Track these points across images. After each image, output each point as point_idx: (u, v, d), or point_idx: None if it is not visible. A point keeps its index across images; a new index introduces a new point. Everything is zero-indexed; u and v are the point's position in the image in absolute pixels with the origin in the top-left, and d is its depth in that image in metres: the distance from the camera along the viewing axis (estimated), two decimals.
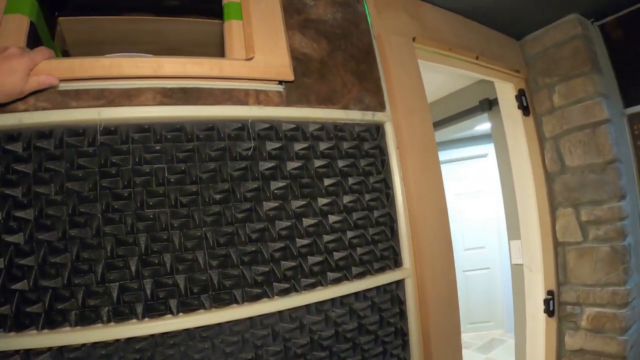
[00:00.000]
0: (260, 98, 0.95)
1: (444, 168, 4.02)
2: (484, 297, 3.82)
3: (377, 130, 1.11)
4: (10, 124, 0.78)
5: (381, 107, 1.12)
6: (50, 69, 0.80)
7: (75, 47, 1.25)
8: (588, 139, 1.58)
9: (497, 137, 2.08)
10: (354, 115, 1.06)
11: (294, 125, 0.98)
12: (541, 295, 1.66)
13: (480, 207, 3.94)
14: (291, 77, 0.96)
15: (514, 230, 1.89)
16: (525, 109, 1.68)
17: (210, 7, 1.13)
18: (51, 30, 1.10)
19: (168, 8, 1.17)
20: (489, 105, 2.13)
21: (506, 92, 1.72)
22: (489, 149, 3.63)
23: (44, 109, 0.80)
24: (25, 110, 0.79)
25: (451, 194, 4.08)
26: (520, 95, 1.68)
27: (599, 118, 1.55)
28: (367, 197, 1.06)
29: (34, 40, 0.89)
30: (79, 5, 1.14)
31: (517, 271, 1.89)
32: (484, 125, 2.56)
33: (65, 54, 1.23)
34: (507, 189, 1.97)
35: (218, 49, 1.28)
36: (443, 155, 4.03)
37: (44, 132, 0.80)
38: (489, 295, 3.81)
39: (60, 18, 1.16)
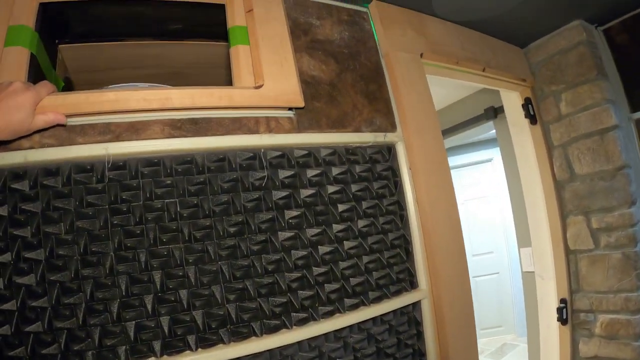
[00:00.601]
0: (271, 125, 0.93)
1: None
2: (494, 302, 3.80)
3: (389, 151, 1.09)
4: (15, 162, 0.76)
5: (392, 127, 1.11)
6: (56, 105, 0.78)
7: (78, 74, 1.23)
8: (597, 146, 1.57)
9: (503, 144, 2.06)
10: (366, 138, 1.04)
11: (306, 152, 0.96)
12: (554, 304, 1.65)
13: (487, 211, 3.92)
14: (302, 104, 0.95)
15: (524, 237, 1.88)
16: (532, 118, 1.67)
17: (214, 30, 1.11)
18: (52, 58, 1.08)
19: (171, 32, 1.15)
20: (495, 113, 2.11)
21: (512, 101, 1.71)
22: (494, 153, 3.62)
23: (49, 145, 0.78)
24: (31, 147, 0.77)
25: (458, 200, 4.05)
26: (527, 104, 1.66)
27: (607, 125, 1.54)
28: (382, 220, 1.04)
29: (35, 73, 0.87)
30: (79, 33, 1.12)
31: (529, 279, 1.88)
32: (488, 131, 2.55)
33: (68, 81, 1.21)
34: (515, 196, 1.95)
35: (223, 71, 1.27)
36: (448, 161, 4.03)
37: (51, 170, 0.78)
38: (499, 300, 3.78)
39: (61, 46, 1.14)
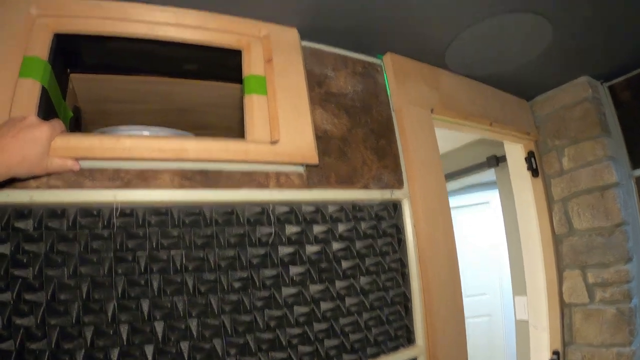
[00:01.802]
0: (280, 181, 0.94)
1: None
2: (486, 346, 3.76)
3: (395, 208, 1.10)
4: (21, 200, 0.75)
5: (399, 184, 1.11)
6: (69, 147, 0.77)
7: (87, 103, 1.23)
8: (596, 202, 1.58)
9: (503, 191, 2.08)
10: (373, 195, 1.05)
11: (314, 208, 0.97)
12: (547, 355, 1.65)
13: (482, 253, 3.92)
14: (316, 161, 0.95)
15: (519, 286, 1.88)
16: (534, 171, 1.68)
17: (226, 72, 1.11)
18: (63, 87, 1.08)
19: (183, 71, 1.15)
20: (496, 161, 2.13)
21: (515, 153, 1.72)
22: (491, 196, 3.63)
23: (56, 187, 0.78)
24: (37, 187, 0.76)
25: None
26: (530, 157, 1.68)
27: (608, 181, 1.56)
28: (383, 277, 1.04)
29: (45, 105, 0.87)
30: (92, 64, 1.13)
31: (522, 327, 1.89)
32: (488, 176, 2.57)
33: (77, 110, 1.21)
34: (512, 243, 1.96)
35: (232, 111, 1.27)
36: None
37: (56, 212, 0.77)
38: (490, 343, 3.73)
39: (72, 75, 1.14)
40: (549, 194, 1.70)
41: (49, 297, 0.74)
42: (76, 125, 1.20)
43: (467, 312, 3.55)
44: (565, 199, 1.66)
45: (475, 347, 3.77)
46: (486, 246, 3.89)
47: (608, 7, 1.14)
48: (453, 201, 3.97)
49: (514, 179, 1.75)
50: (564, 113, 1.68)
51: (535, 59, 1.39)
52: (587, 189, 1.60)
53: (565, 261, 1.66)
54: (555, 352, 1.64)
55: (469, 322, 3.85)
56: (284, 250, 0.92)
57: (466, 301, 3.65)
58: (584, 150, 1.61)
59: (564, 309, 1.67)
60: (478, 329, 3.79)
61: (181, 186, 0.86)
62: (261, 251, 0.90)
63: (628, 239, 1.55)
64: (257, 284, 0.88)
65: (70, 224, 0.77)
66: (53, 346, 0.72)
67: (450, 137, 2.52)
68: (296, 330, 0.91)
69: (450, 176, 2.58)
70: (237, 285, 0.86)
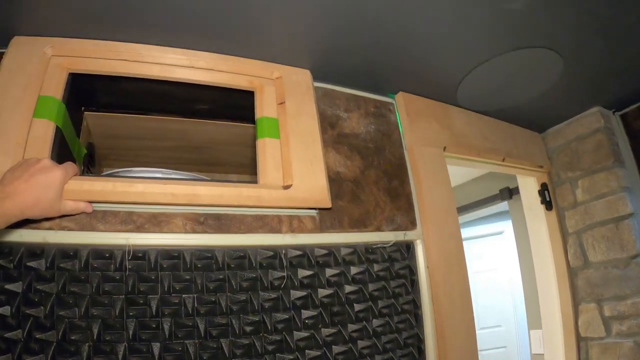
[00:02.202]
0: (293, 225, 0.94)
1: None
2: None
3: (408, 249, 1.09)
4: (33, 241, 0.76)
5: (412, 225, 1.11)
6: (83, 190, 0.79)
7: (101, 139, 1.25)
8: (611, 234, 1.56)
9: (517, 224, 2.06)
10: (386, 237, 1.05)
11: (327, 251, 0.96)
12: None
13: (496, 284, 3.85)
14: (329, 205, 0.95)
15: (534, 319, 1.85)
16: (548, 204, 1.67)
17: (240, 112, 1.12)
18: (77, 124, 1.10)
19: (196, 111, 1.17)
20: (510, 194, 2.12)
21: (528, 186, 1.71)
22: (505, 226, 3.59)
23: (69, 229, 0.79)
24: (50, 228, 0.78)
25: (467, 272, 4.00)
26: (543, 190, 1.67)
27: (623, 213, 1.54)
28: (396, 319, 1.03)
29: (59, 145, 0.89)
30: (106, 103, 1.15)
31: None
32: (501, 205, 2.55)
33: (90, 146, 1.23)
34: (526, 276, 1.93)
35: (245, 149, 1.28)
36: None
37: (69, 253, 0.78)
38: None
39: (86, 113, 1.16)
40: (563, 227, 1.68)
41: (59, 337, 0.74)
42: (90, 160, 1.21)
43: (482, 344, 3.46)
44: (579, 231, 1.64)
45: None
46: (500, 276, 3.83)
47: (617, 38, 1.14)
48: (466, 232, 3.96)
49: (528, 212, 1.74)
50: (576, 145, 1.67)
51: (546, 92, 1.38)
52: (601, 220, 1.58)
53: (581, 294, 1.63)
54: None
55: (484, 354, 3.76)
56: (296, 294, 0.92)
57: (481, 333, 3.56)
58: (598, 181, 1.60)
59: (580, 343, 1.63)
60: None
61: (193, 230, 0.87)
62: (273, 295, 0.89)
63: None
64: (269, 327, 0.88)
65: (82, 265, 0.78)
66: None
67: (462, 170, 2.52)
68: None
69: (464, 209, 2.57)
70: (248, 329, 0.86)
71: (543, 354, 1.72)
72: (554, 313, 1.65)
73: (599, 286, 1.59)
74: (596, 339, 1.60)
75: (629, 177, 1.62)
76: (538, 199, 1.68)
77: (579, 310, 1.64)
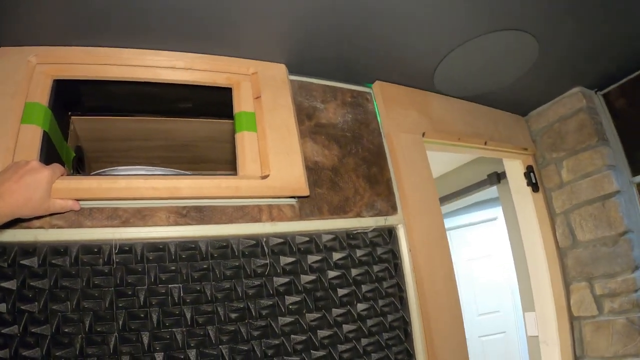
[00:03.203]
0: (273, 214, 0.96)
1: (454, 234, 3.86)
2: None
3: (390, 234, 1.12)
4: (25, 240, 0.79)
5: (393, 210, 1.13)
6: (70, 188, 0.82)
7: (89, 142, 1.29)
8: (598, 213, 1.58)
9: (506, 208, 2.07)
10: (366, 223, 1.07)
11: (308, 238, 0.99)
12: None
13: (492, 270, 3.85)
14: (307, 193, 0.98)
15: (527, 301, 1.86)
16: (534, 186, 1.69)
17: (220, 109, 1.15)
18: (64, 129, 1.14)
19: (180, 110, 1.20)
20: (498, 178, 2.13)
21: (514, 169, 1.73)
22: (498, 212, 3.60)
23: (58, 227, 0.82)
24: (40, 227, 0.81)
25: (462, 259, 4.02)
26: (529, 172, 1.68)
27: (609, 191, 1.55)
28: (381, 302, 1.06)
29: (47, 149, 0.92)
30: (91, 107, 1.18)
31: (533, 342, 1.86)
32: (492, 192, 2.57)
33: (79, 150, 1.26)
34: (518, 259, 1.95)
35: (229, 145, 1.31)
36: (452, 221, 3.99)
37: (59, 250, 0.81)
38: None
39: (73, 117, 1.20)
40: (551, 208, 1.70)
41: (53, 330, 0.77)
42: (79, 164, 1.25)
43: (482, 330, 3.47)
44: (567, 212, 1.65)
45: None
46: (496, 262, 3.84)
47: (591, 19, 1.16)
48: (460, 219, 3.99)
49: (515, 195, 1.75)
50: (559, 126, 1.68)
51: (525, 75, 1.40)
52: (588, 199, 1.60)
53: (572, 274, 1.65)
54: None
55: (484, 340, 3.76)
56: (279, 281, 0.94)
57: (480, 319, 3.58)
58: (583, 161, 1.61)
59: (574, 323, 1.64)
60: (493, 347, 3.71)
61: (177, 223, 0.90)
62: (256, 282, 0.92)
63: (633, 247, 1.53)
64: (254, 314, 0.91)
65: (72, 261, 0.82)
66: None
67: (451, 157, 2.53)
68: (294, 358, 0.92)
69: (453, 196, 2.58)
70: (233, 315, 0.89)
71: (537, 336, 1.74)
72: (546, 294, 1.66)
73: (588, 265, 1.61)
74: (589, 317, 1.62)
75: (614, 155, 1.63)
76: (524, 182, 1.70)
77: (570, 290, 1.66)
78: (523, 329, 2.16)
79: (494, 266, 3.84)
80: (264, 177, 0.95)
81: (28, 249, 0.79)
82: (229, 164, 1.45)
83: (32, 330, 0.76)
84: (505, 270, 3.64)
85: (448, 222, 3.97)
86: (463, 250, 4.05)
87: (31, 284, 0.78)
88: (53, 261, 0.80)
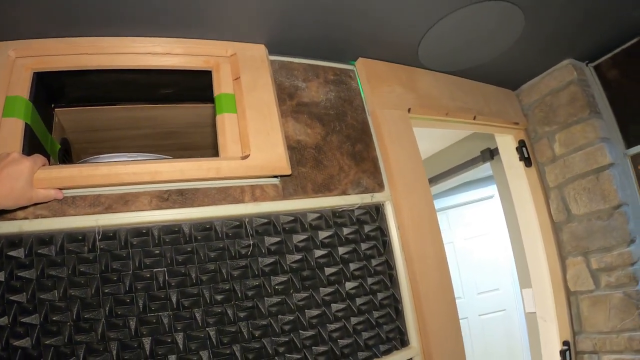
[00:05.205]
0: (256, 194, 0.96)
1: (452, 213, 3.86)
2: (503, 342, 3.65)
3: (377, 211, 1.11)
4: (11, 231, 0.79)
5: (380, 187, 1.12)
6: (51, 177, 0.82)
7: (75, 133, 1.28)
8: (592, 186, 1.56)
9: (500, 185, 2.06)
10: (352, 200, 1.06)
11: (292, 217, 0.98)
12: (557, 346, 1.62)
13: (490, 249, 3.84)
14: (288, 171, 0.97)
15: (525, 278, 1.86)
16: (527, 160, 1.67)
17: (203, 94, 1.14)
18: (49, 122, 1.13)
19: (163, 96, 1.19)
20: (491, 154, 2.11)
21: (507, 144, 1.71)
22: (495, 190, 3.59)
23: (42, 217, 0.82)
24: (25, 218, 0.81)
25: (460, 238, 4.01)
26: (521, 147, 1.67)
27: (602, 163, 1.54)
28: (370, 280, 1.05)
29: (30, 141, 0.92)
30: (74, 98, 1.17)
31: (532, 319, 1.86)
32: (487, 169, 2.55)
33: (65, 142, 1.26)
34: (514, 236, 1.94)
35: (213, 129, 1.30)
36: (449, 200, 3.97)
37: (45, 239, 0.81)
38: (507, 339, 3.62)
39: (57, 109, 1.19)
40: (544, 182, 1.69)
41: (42, 319, 0.78)
42: (66, 155, 1.24)
43: (482, 308, 3.47)
44: (560, 186, 1.64)
45: (493, 342, 3.73)
46: (494, 240, 3.84)
47: None
48: (457, 198, 3.98)
49: (508, 171, 1.74)
50: (551, 99, 1.67)
51: (512, 48, 1.38)
52: (581, 173, 1.58)
53: (567, 248, 1.64)
54: (566, 343, 1.61)
55: (484, 318, 3.77)
56: (264, 261, 0.94)
57: (480, 298, 3.58)
58: (575, 133, 1.60)
59: (570, 298, 1.64)
60: (494, 324, 3.72)
61: (159, 207, 0.89)
62: (241, 263, 0.92)
63: (628, 220, 1.52)
64: (240, 295, 0.90)
65: (58, 250, 0.81)
66: None
67: (443, 135, 2.51)
68: (282, 339, 0.92)
69: (448, 174, 2.56)
70: (219, 297, 0.89)
71: (535, 313, 1.74)
72: (542, 270, 1.66)
73: (584, 239, 1.60)
74: (585, 292, 1.61)
75: (607, 127, 1.61)
76: (517, 157, 1.69)
77: (567, 265, 1.65)
78: (522, 305, 2.17)
79: (492, 244, 3.84)
80: (245, 157, 0.94)
81: (14, 240, 0.79)
82: (216, 149, 1.44)
83: (22, 320, 0.76)
84: (503, 248, 3.64)
85: (444, 202, 3.97)
86: (461, 229, 4.04)
87: (19, 274, 0.78)
88: (39, 251, 0.80)
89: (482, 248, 3.90)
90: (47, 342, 0.76)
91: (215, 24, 1.02)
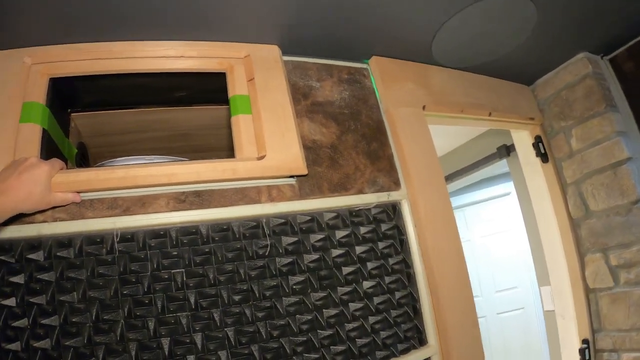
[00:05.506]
0: (272, 194, 0.96)
1: (468, 211, 3.83)
2: (521, 340, 3.61)
3: (394, 209, 1.10)
4: (30, 234, 0.80)
5: (396, 185, 1.12)
6: (69, 181, 0.83)
7: (91, 138, 1.29)
8: (610, 181, 1.54)
9: (517, 182, 2.03)
10: (369, 199, 1.06)
11: (309, 217, 0.98)
12: (576, 344, 1.60)
13: (508, 246, 3.80)
14: (304, 171, 0.97)
15: (543, 276, 1.83)
16: (543, 156, 1.65)
17: (217, 95, 1.15)
18: (65, 126, 1.15)
19: (176, 99, 1.20)
20: (507, 151, 2.09)
21: (523, 140, 1.69)
22: (511, 187, 3.55)
23: (61, 220, 0.83)
24: (44, 221, 0.82)
25: (477, 236, 3.99)
26: (537, 143, 1.65)
27: (619, 158, 1.51)
28: (387, 279, 1.05)
29: (47, 146, 0.93)
30: (89, 103, 1.19)
31: (550, 317, 1.84)
32: (503, 166, 2.53)
33: (82, 146, 1.27)
34: (532, 234, 1.91)
35: (227, 130, 1.31)
36: (466, 198, 3.94)
37: (63, 242, 0.82)
38: (525, 337, 3.58)
39: (73, 114, 1.21)
40: (562, 178, 1.66)
41: (62, 321, 0.79)
42: (83, 159, 1.26)
43: (500, 306, 3.44)
44: (578, 181, 1.62)
45: (511, 340, 3.69)
46: (512, 238, 3.80)
47: None
48: (474, 196, 3.95)
49: (525, 167, 1.72)
50: (566, 93, 1.64)
51: (526, 42, 1.36)
52: (599, 168, 1.56)
53: (586, 245, 1.61)
54: (585, 341, 1.59)
55: (503, 317, 3.74)
56: (282, 261, 0.94)
57: (498, 296, 3.55)
58: (592, 128, 1.57)
59: (589, 295, 1.61)
60: (513, 322, 3.69)
61: (176, 208, 0.90)
62: (259, 263, 0.92)
63: None
64: (258, 295, 0.90)
65: (77, 252, 0.82)
66: None
67: (459, 132, 2.49)
68: (300, 339, 0.92)
69: (464, 171, 2.54)
70: (237, 298, 0.89)
71: (554, 311, 1.71)
72: (561, 267, 1.63)
73: (602, 235, 1.57)
74: (605, 289, 1.58)
75: (623, 121, 1.59)
76: (533, 153, 1.66)
77: (585, 262, 1.62)
78: (541, 304, 2.14)
79: (510, 242, 3.80)
80: (261, 158, 0.94)
81: (33, 243, 0.80)
82: (230, 151, 1.45)
83: (42, 322, 0.77)
84: (521, 246, 3.60)
85: (461, 199, 3.94)
86: (478, 227, 4.01)
87: (38, 277, 0.79)
88: (58, 253, 0.81)
89: (500, 246, 3.87)
90: (66, 343, 0.77)
91: (228, 26, 1.02)
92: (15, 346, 0.74)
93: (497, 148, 2.20)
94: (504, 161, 2.28)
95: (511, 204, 3.69)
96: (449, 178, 2.69)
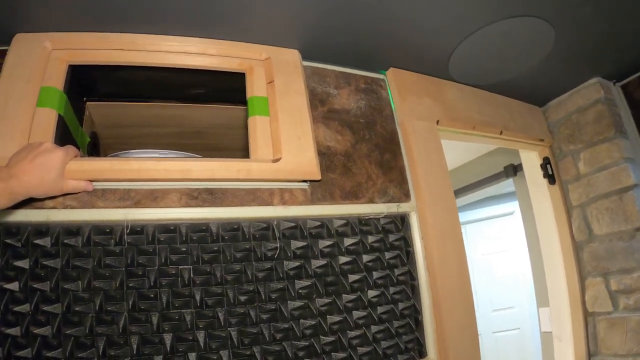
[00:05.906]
0: (284, 197, 0.96)
1: (470, 228, 3.82)
2: (517, 359, 3.63)
3: (402, 220, 1.11)
4: (38, 219, 0.80)
5: (406, 197, 1.12)
6: (82, 170, 0.83)
7: (104, 128, 1.30)
8: (615, 206, 1.54)
9: (522, 201, 2.04)
10: (379, 209, 1.06)
11: (319, 223, 0.99)
12: None
13: (508, 266, 3.80)
14: (318, 177, 0.98)
15: (542, 297, 1.83)
16: (550, 178, 1.66)
17: (234, 95, 1.16)
18: (80, 114, 1.15)
19: (193, 96, 1.20)
20: (514, 170, 2.10)
21: (531, 161, 1.70)
22: (515, 206, 3.55)
23: (71, 207, 0.83)
24: (53, 207, 0.82)
25: (478, 254, 3.98)
26: (546, 164, 1.66)
27: (626, 184, 1.52)
28: (392, 290, 1.05)
29: (62, 132, 0.93)
30: (106, 93, 1.19)
31: (547, 339, 1.83)
32: (508, 185, 2.54)
33: (94, 135, 1.28)
34: (534, 254, 1.91)
35: (242, 131, 1.31)
36: (469, 215, 3.94)
37: (72, 230, 0.82)
38: (519, 357, 3.55)
39: (88, 103, 1.21)
40: (567, 200, 1.67)
41: (64, 309, 0.78)
42: (94, 149, 1.26)
43: (496, 326, 3.42)
44: (583, 205, 1.62)
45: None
46: (512, 258, 3.79)
47: (606, 6, 1.12)
48: (477, 213, 3.95)
49: (531, 187, 1.73)
50: (577, 117, 1.65)
51: (540, 64, 1.37)
52: (605, 192, 1.56)
53: (587, 269, 1.62)
54: None
55: (498, 336, 3.72)
56: (290, 265, 0.94)
57: (494, 315, 3.53)
58: (600, 153, 1.58)
59: (588, 319, 1.61)
60: (508, 342, 3.68)
61: (188, 205, 0.90)
62: (266, 265, 0.92)
63: None
64: (263, 297, 0.91)
65: (84, 241, 0.82)
66: (67, 355, 0.77)
67: (466, 149, 2.50)
68: (303, 343, 0.92)
69: (469, 188, 2.55)
70: (243, 298, 0.89)
71: (551, 332, 1.71)
72: (561, 289, 1.63)
73: (604, 259, 1.57)
74: (603, 313, 1.59)
75: (632, 147, 1.60)
76: (541, 174, 1.67)
77: (586, 285, 1.63)
78: (537, 325, 2.13)
79: (510, 261, 3.80)
80: (276, 160, 0.95)
81: (41, 229, 0.80)
82: (243, 152, 1.45)
83: (44, 308, 0.77)
84: (521, 266, 3.60)
85: (465, 216, 3.93)
86: (479, 244, 4.01)
87: (43, 263, 0.79)
88: (65, 241, 0.81)
89: (500, 265, 3.86)
90: (67, 331, 0.77)
91: (251, 27, 1.03)
92: (15, 331, 0.74)
93: (504, 167, 2.21)
94: (510, 180, 2.29)
95: (514, 223, 3.69)
96: (455, 193, 2.68)
